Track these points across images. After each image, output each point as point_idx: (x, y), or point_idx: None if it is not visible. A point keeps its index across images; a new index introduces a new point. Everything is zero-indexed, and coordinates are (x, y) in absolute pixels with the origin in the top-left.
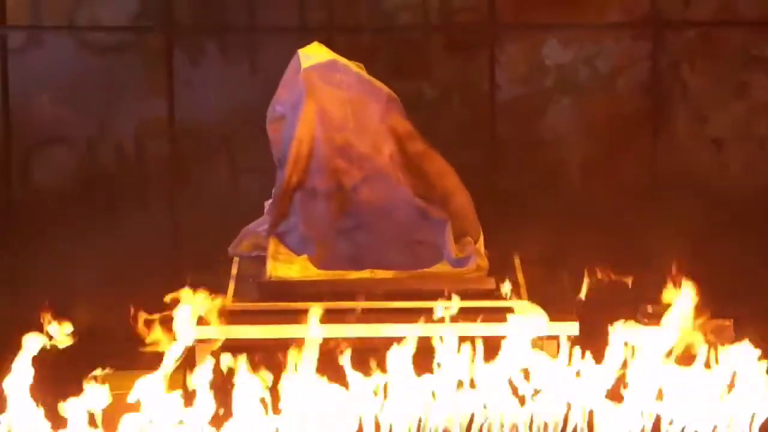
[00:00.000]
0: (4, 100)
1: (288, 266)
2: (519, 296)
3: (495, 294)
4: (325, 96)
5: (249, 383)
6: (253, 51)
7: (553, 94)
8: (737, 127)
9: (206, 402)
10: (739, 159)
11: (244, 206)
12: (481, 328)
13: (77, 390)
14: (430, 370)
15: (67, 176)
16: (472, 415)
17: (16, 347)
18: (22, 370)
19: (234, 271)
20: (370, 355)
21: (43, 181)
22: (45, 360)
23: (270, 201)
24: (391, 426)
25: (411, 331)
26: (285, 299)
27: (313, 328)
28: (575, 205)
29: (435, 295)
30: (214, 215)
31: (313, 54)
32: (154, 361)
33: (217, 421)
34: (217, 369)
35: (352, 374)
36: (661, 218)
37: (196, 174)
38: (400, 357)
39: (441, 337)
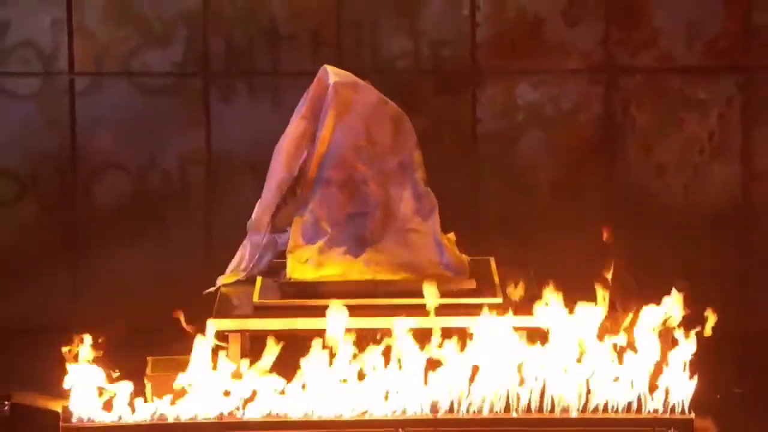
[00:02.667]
0: (71, 134)
1: (303, 269)
2: (495, 294)
3: (476, 292)
4: (348, 106)
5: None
6: (275, 91)
7: (524, 127)
8: (676, 155)
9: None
10: (678, 181)
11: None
12: (463, 321)
13: (132, 374)
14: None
15: (122, 196)
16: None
17: (79, 342)
18: (79, 358)
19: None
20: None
21: (102, 201)
22: (104, 350)
23: (253, 222)
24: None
25: (408, 324)
26: (302, 297)
27: (335, 321)
28: (544, 218)
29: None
30: (242, 228)
31: (338, 72)
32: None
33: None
34: (245, 353)
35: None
36: (614, 229)
37: (227, 194)
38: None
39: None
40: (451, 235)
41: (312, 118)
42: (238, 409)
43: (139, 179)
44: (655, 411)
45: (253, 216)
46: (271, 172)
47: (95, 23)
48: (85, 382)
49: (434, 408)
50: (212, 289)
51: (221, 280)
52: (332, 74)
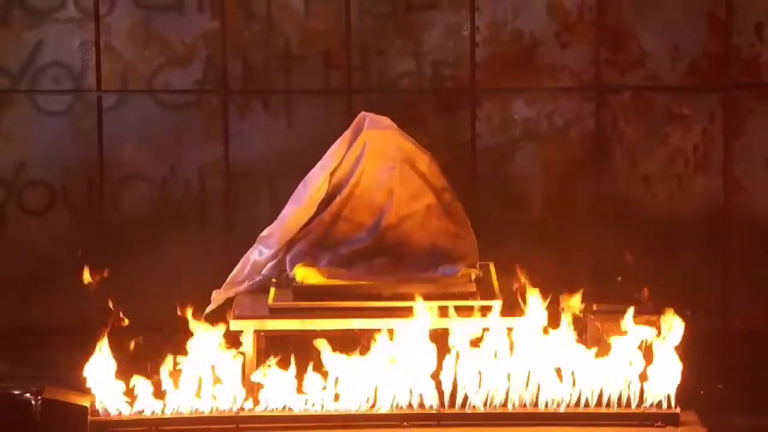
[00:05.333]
0: (99, 146)
1: (313, 275)
2: (494, 297)
3: (476, 296)
4: (380, 154)
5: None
6: (288, 109)
7: (520, 142)
8: (661, 167)
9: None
10: (663, 192)
11: None
12: (464, 322)
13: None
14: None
15: (146, 205)
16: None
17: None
18: (105, 356)
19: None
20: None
21: (128, 209)
22: (125, 347)
23: (269, 232)
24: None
25: (411, 324)
26: (314, 299)
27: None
28: (538, 227)
29: (430, 297)
30: (258, 233)
31: (375, 119)
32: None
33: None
34: (260, 349)
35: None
36: (603, 236)
37: (244, 203)
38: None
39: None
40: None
41: (344, 160)
42: (251, 403)
43: (162, 189)
44: (642, 405)
45: (266, 231)
46: (296, 200)
47: (121, 44)
48: (111, 377)
49: (438, 403)
50: (210, 308)
51: (216, 298)
52: (369, 121)
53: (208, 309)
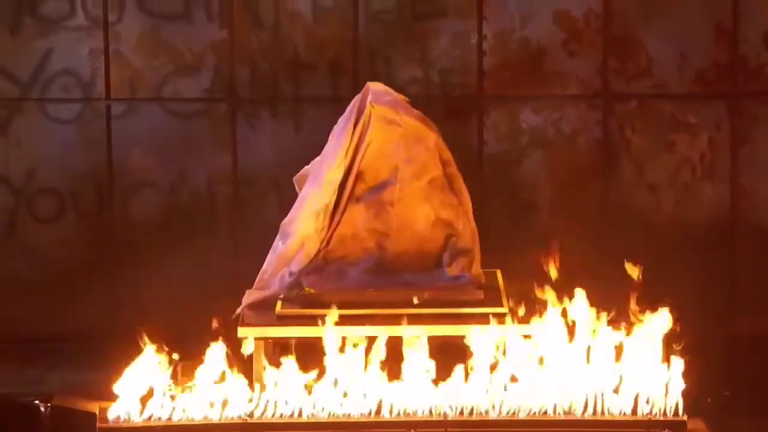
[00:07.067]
0: (108, 154)
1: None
2: (501, 304)
3: (484, 303)
4: (384, 129)
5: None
6: (296, 116)
7: (527, 149)
8: (667, 174)
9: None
10: (669, 199)
11: None
12: (471, 329)
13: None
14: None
15: (155, 211)
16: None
17: (117, 342)
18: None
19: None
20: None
21: (137, 215)
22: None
23: (284, 224)
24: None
25: (419, 331)
26: (321, 307)
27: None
28: (545, 233)
29: (437, 304)
30: (266, 241)
31: (380, 90)
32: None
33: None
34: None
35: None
36: (609, 243)
37: (252, 210)
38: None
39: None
40: (477, 264)
41: (353, 133)
42: (260, 409)
43: (171, 195)
44: (650, 413)
45: (287, 218)
46: (313, 181)
47: (130, 52)
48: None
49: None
50: (240, 309)
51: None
52: (372, 92)
53: (238, 310)
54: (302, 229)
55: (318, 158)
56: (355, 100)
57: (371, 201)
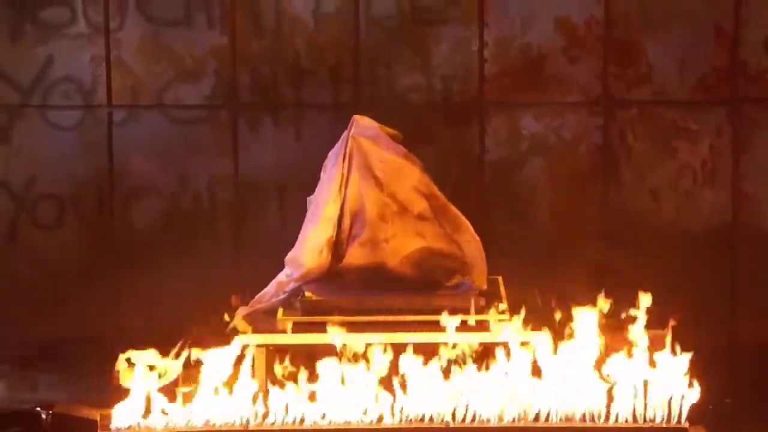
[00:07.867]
0: (109, 160)
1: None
2: (502, 312)
3: (484, 310)
4: (369, 163)
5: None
6: (297, 122)
7: (528, 155)
8: (669, 181)
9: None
10: (670, 205)
11: (290, 239)
12: (474, 336)
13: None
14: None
15: (156, 216)
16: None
17: (120, 342)
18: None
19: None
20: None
21: (138, 220)
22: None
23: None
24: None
25: (419, 338)
26: (321, 314)
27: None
28: (546, 239)
29: (436, 311)
30: (267, 246)
31: (365, 124)
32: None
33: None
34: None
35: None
36: (609, 249)
37: (253, 215)
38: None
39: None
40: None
41: (342, 166)
42: (261, 416)
43: (172, 201)
44: (652, 420)
45: (290, 254)
46: (310, 219)
47: (131, 59)
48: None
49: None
50: (233, 323)
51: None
52: (356, 127)
53: (232, 324)
54: (307, 263)
55: (317, 190)
56: (344, 135)
57: (365, 239)
